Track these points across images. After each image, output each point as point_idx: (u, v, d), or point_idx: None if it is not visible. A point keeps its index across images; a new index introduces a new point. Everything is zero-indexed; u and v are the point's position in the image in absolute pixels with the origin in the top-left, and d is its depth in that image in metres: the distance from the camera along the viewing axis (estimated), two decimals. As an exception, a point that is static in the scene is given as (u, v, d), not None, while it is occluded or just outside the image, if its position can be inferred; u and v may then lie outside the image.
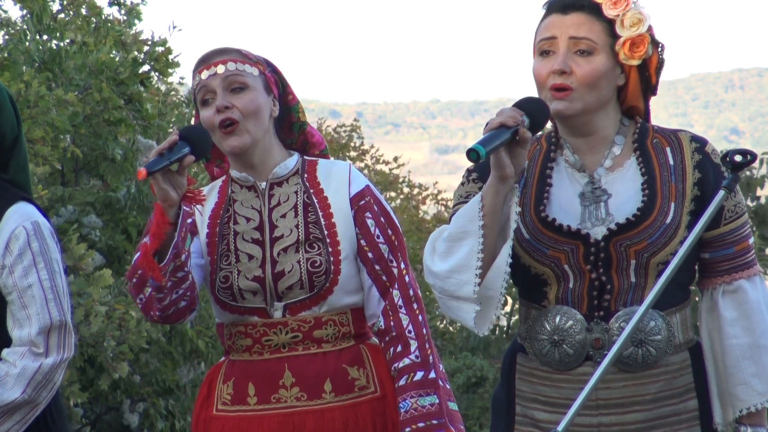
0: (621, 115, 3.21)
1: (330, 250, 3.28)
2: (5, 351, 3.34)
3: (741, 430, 3.18)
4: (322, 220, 3.30)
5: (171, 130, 8.07)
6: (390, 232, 3.34)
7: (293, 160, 3.37)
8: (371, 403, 3.31)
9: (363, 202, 3.34)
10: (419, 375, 3.25)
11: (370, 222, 3.32)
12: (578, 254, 3.11)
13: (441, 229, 3.14)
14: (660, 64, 3.19)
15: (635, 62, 3.13)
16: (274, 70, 3.40)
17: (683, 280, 3.18)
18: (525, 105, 3.03)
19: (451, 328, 17.34)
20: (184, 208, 3.14)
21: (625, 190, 3.14)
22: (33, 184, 5.97)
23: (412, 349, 3.27)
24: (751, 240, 3.20)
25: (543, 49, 3.13)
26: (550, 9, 3.16)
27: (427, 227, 20.90)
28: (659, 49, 3.17)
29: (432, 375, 3.26)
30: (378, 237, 3.32)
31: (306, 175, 3.36)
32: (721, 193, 2.94)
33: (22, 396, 3.32)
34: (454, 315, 3.10)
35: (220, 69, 3.27)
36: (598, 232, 3.10)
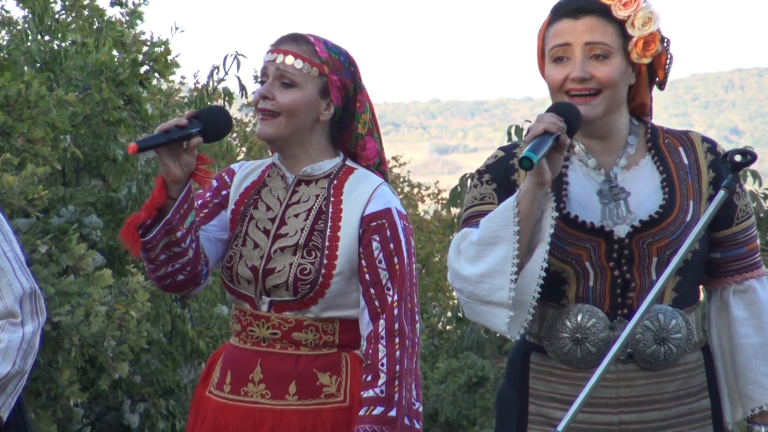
0: (629, 115, 3.23)
1: (325, 262, 3.26)
2: None
3: (755, 430, 3.18)
4: (328, 230, 3.28)
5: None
6: (395, 260, 3.27)
7: (330, 163, 3.37)
8: (335, 412, 3.28)
9: (375, 223, 3.28)
10: (378, 410, 3.21)
11: (375, 245, 3.26)
12: (600, 251, 3.12)
13: (465, 232, 3.13)
14: (668, 59, 3.20)
15: (647, 61, 3.15)
16: (352, 74, 3.36)
17: (698, 278, 3.19)
18: (562, 110, 3.05)
19: (449, 328, 17.33)
20: (215, 189, 3.21)
21: (644, 188, 3.15)
22: (33, 184, 5.98)
23: (379, 382, 3.22)
24: (758, 240, 3.22)
25: (557, 56, 3.14)
26: (559, 13, 3.16)
27: (427, 227, 20.88)
28: (665, 44, 3.19)
29: (392, 413, 3.21)
30: (380, 262, 3.27)
31: (335, 182, 3.34)
32: (722, 192, 2.96)
33: (14, 368, 3.37)
34: (483, 320, 3.08)
35: (279, 59, 3.29)
36: (622, 230, 3.11)
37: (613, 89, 3.12)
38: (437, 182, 24.25)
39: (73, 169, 7.98)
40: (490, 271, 3.04)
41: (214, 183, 3.42)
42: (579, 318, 3.13)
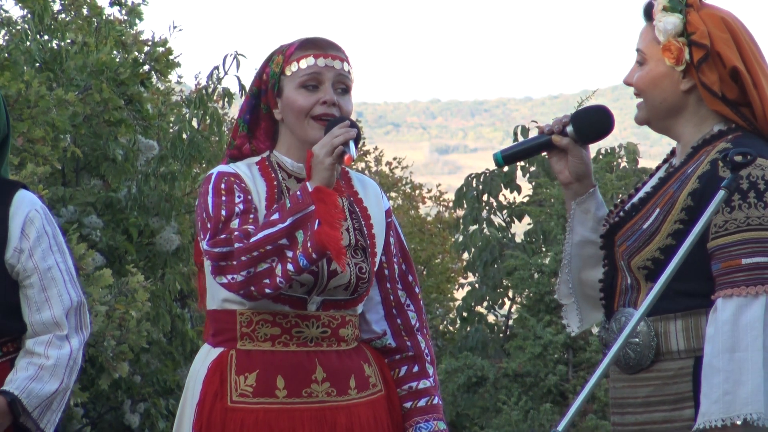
0: (716, 122, 3.14)
1: (370, 260, 3.33)
2: (30, 342, 3.41)
3: None
4: (364, 229, 3.34)
5: (171, 131, 8.06)
6: (407, 254, 3.45)
7: None
8: (382, 401, 3.37)
9: (389, 220, 3.42)
10: (437, 399, 3.37)
11: (392, 240, 3.40)
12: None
13: None
14: (697, 68, 3.10)
15: (678, 67, 3.11)
16: None
17: (683, 287, 3.06)
18: (576, 113, 3.18)
19: (451, 328, 17.34)
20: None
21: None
22: (33, 183, 5.98)
23: (431, 372, 3.39)
24: (755, 259, 2.99)
25: None
26: None
27: (429, 228, 20.86)
28: (712, 57, 3.09)
29: (440, 400, 3.39)
30: (395, 256, 3.41)
31: (343, 182, 3.38)
32: (721, 193, 2.85)
33: (61, 386, 3.42)
34: None
35: (338, 65, 3.29)
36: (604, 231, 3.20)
37: (647, 94, 3.15)
38: (439, 185, 24.21)
39: (73, 169, 7.99)
40: (560, 268, 3.34)
41: (237, 190, 3.29)
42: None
